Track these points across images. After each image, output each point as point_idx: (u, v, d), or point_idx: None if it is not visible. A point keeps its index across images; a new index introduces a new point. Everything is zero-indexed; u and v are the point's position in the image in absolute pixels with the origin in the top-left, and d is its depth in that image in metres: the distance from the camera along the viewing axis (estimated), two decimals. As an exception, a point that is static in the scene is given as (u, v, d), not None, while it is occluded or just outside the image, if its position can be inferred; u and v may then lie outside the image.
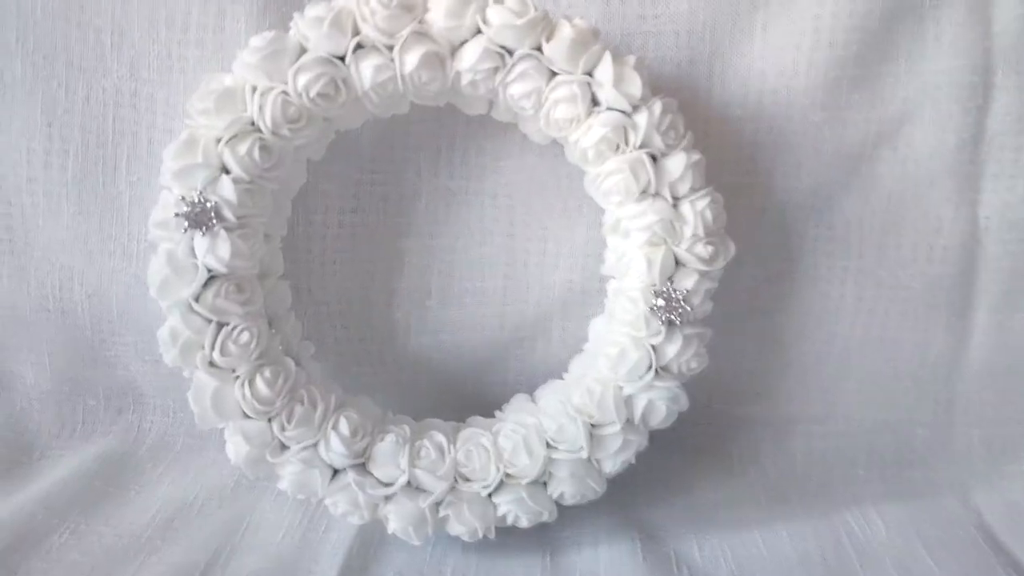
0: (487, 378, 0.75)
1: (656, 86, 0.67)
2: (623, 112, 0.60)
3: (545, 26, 0.60)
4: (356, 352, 0.73)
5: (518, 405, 0.68)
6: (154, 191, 0.66)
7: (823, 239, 0.72)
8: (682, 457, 0.76)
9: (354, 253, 0.72)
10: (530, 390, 0.70)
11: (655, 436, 0.65)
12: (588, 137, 0.61)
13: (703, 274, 0.62)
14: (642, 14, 0.68)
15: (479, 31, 0.60)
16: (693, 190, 0.61)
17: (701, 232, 0.61)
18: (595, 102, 0.61)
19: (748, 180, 0.70)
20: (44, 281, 0.72)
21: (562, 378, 0.69)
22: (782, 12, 0.68)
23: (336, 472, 0.63)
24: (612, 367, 0.63)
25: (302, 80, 0.59)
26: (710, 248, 0.62)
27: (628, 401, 0.63)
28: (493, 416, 0.68)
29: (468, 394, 0.75)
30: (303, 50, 0.60)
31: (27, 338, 0.74)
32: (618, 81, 0.60)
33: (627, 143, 0.61)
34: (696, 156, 0.62)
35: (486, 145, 0.71)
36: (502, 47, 0.60)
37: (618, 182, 0.61)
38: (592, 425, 0.63)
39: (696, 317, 0.63)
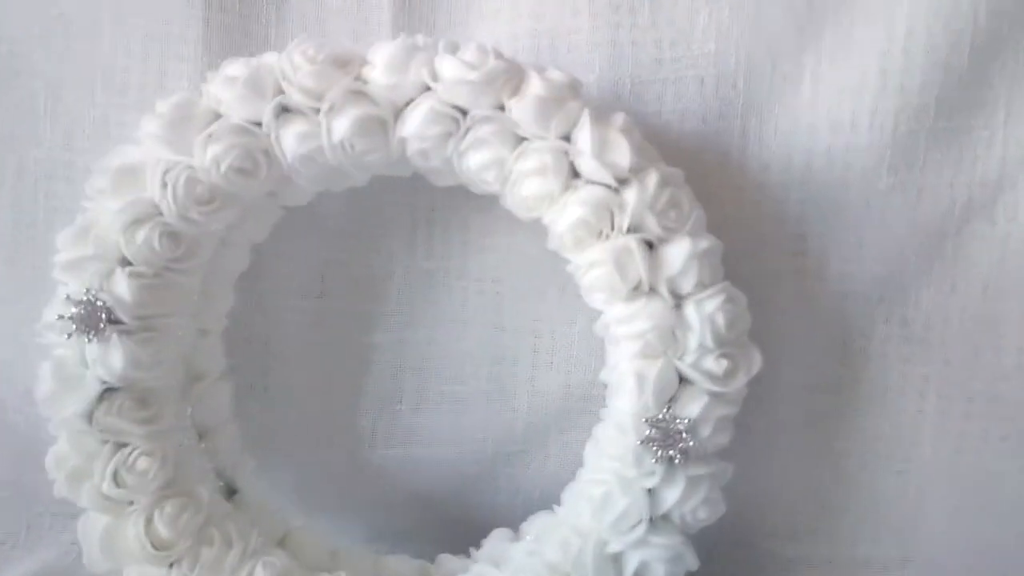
0: (471, 500, 0.62)
1: (672, 147, 0.53)
2: (607, 187, 0.47)
3: (508, 80, 0.47)
4: (316, 465, 0.62)
5: (493, 546, 0.55)
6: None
7: (895, 339, 0.56)
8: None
9: (316, 346, 0.61)
10: (524, 515, 0.57)
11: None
12: (564, 219, 0.47)
13: (715, 396, 0.47)
14: (659, 57, 0.55)
15: (427, 88, 0.48)
16: (700, 286, 0.47)
17: (710, 342, 0.47)
18: (575, 173, 0.48)
19: (794, 264, 0.55)
20: None
21: (553, 510, 0.55)
22: (838, 49, 0.53)
23: (257, 627, 0.51)
24: (595, 514, 0.49)
25: (212, 152, 0.48)
26: (724, 363, 0.47)
27: (615, 560, 0.49)
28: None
29: (450, 518, 0.62)
30: (216, 116, 0.49)
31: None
32: (600, 148, 0.46)
33: (612, 227, 0.47)
34: (705, 243, 0.47)
35: (470, 219, 0.59)
36: (455, 107, 0.47)
37: (600, 277, 0.47)
38: (574, 592, 0.49)
39: (706, 451, 0.48)
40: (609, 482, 0.48)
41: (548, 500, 0.56)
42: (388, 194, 0.58)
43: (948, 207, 0.54)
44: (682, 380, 0.48)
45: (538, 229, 0.57)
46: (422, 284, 0.60)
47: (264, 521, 0.56)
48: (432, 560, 0.57)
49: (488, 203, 0.56)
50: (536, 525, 0.54)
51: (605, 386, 0.53)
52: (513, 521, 0.57)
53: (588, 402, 0.59)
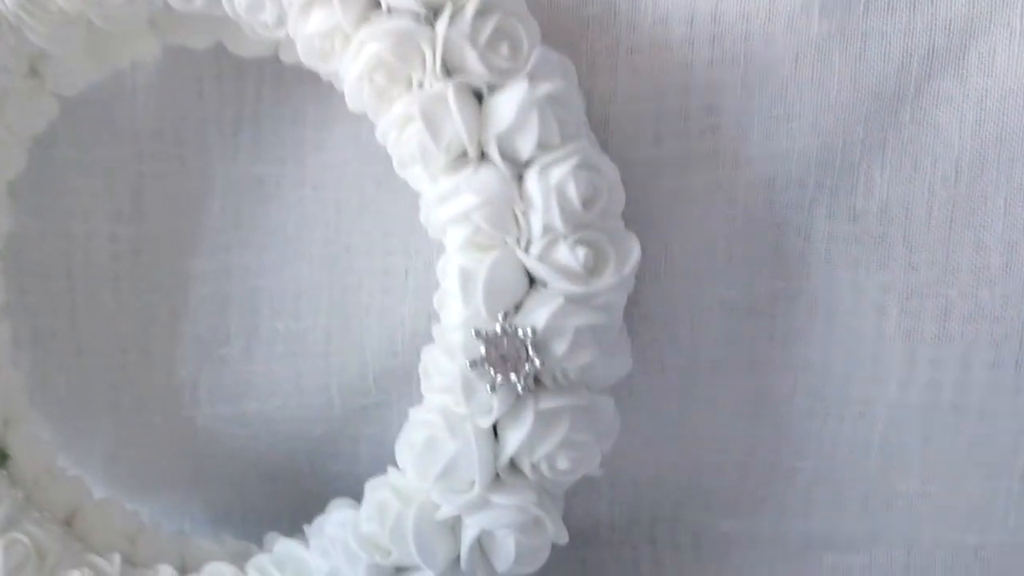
0: (327, 466, 0.49)
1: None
2: (414, 15, 0.34)
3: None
4: (128, 428, 0.50)
5: (334, 518, 0.42)
6: None
7: (843, 240, 0.42)
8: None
9: (125, 280, 0.49)
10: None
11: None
12: (357, 63, 0.35)
13: (572, 300, 0.34)
14: None
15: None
16: (544, 148, 0.34)
17: (560, 223, 0.34)
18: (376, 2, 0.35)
19: (705, 145, 0.42)
20: None
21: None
22: None
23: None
24: (418, 468, 0.36)
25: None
26: (582, 252, 0.34)
27: (449, 530, 0.36)
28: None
29: (305, 490, 0.50)
30: None
31: None
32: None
33: (423, 70, 0.34)
34: (549, 86, 0.34)
35: (306, 111, 0.46)
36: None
37: (410, 140, 0.35)
38: (388, 571, 0.36)
39: (567, 378, 0.35)
40: (434, 423, 0.35)
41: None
42: (205, 81, 0.46)
43: (903, 60, 0.40)
44: (533, 282, 0.35)
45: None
46: (250, 195, 0.48)
47: (45, 494, 0.44)
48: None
49: (328, 91, 0.44)
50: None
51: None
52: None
53: None
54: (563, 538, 0.37)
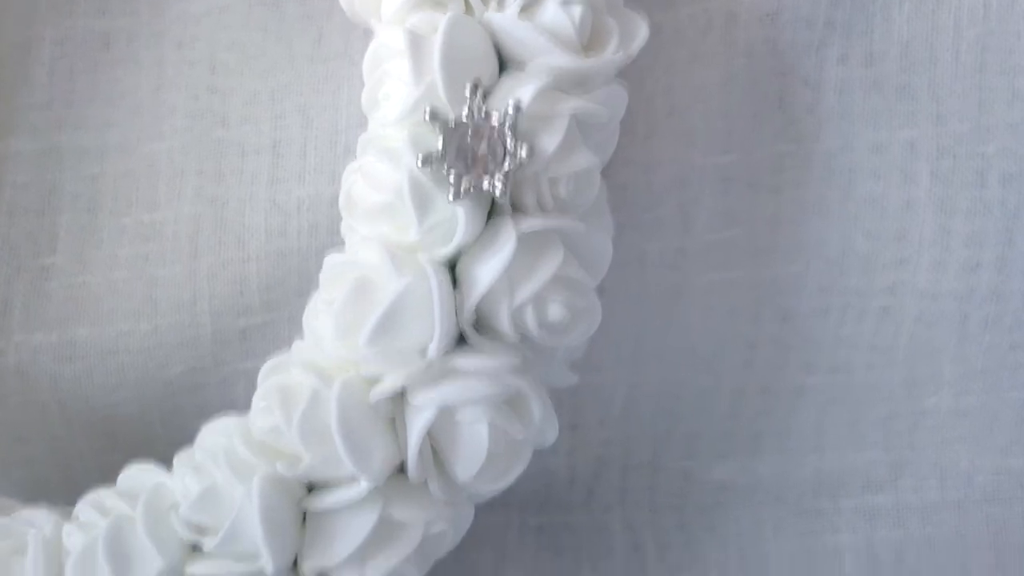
0: (187, 422, 0.36)
1: None
2: None
3: None
4: None
5: (214, 427, 0.29)
6: None
7: (858, 87, 0.35)
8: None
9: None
10: None
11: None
12: None
13: (564, 79, 0.25)
14: None
15: None
16: None
17: (546, -32, 0.25)
18: None
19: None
20: None
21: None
22: None
23: None
24: (343, 328, 0.25)
25: None
26: (577, 8, 0.25)
27: (391, 422, 0.25)
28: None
29: (154, 457, 0.36)
30: None
31: None
32: None
33: None
34: None
35: None
36: None
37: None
38: (308, 485, 0.24)
39: (557, 195, 0.25)
40: (364, 262, 0.25)
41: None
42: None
43: None
44: (502, 68, 0.25)
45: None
46: (88, 56, 0.36)
47: None
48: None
49: None
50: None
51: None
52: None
53: None
54: (552, 433, 0.26)
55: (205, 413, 0.36)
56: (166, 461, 0.34)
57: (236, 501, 0.24)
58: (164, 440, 0.37)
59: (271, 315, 0.36)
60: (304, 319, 0.27)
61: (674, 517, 0.39)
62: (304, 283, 0.36)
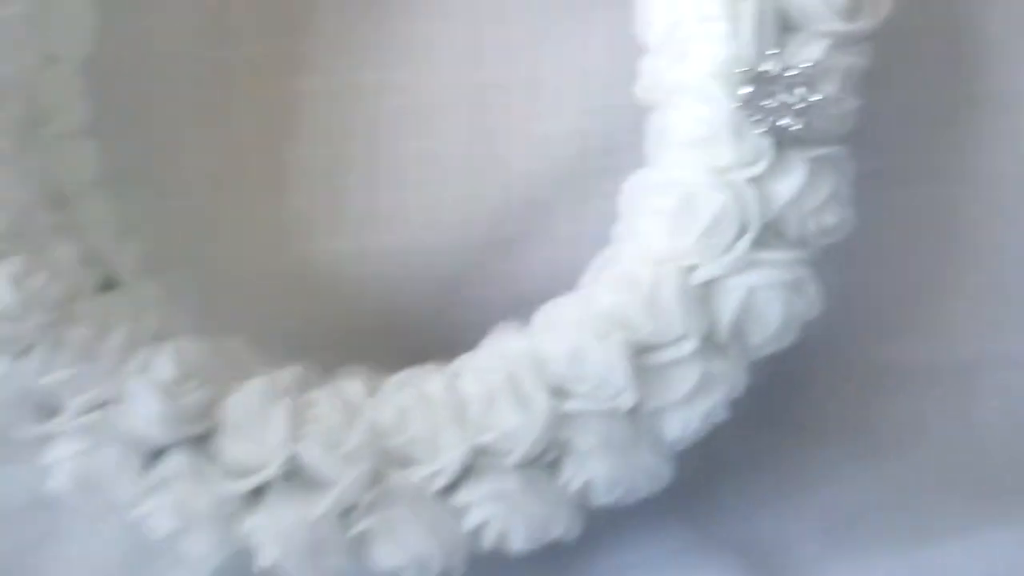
0: (451, 310, 0.46)
1: None
2: None
3: None
4: (224, 268, 0.44)
5: (500, 338, 0.39)
6: None
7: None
8: (791, 432, 0.46)
9: (226, 104, 0.44)
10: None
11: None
12: None
13: (838, 40, 0.33)
14: None
15: None
16: None
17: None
18: None
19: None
20: None
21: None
22: None
23: (155, 454, 0.34)
24: (673, 230, 0.33)
25: None
26: (850, -15, 0.33)
27: (707, 295, 0.33)
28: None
29: (419, 338, 0.45)
30: None
31: None
32: None
33: None
34: None
35: None
36: None
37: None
38: (640, 347, 0.33)
39: (829, 127, 0.33)
40: (688, 180, 0.33)
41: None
42: None
43: None
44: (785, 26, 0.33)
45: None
46: (365, 5, 0.43)
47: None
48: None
49: None
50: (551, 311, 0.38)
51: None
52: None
53: (612, 156, 0.43)
54: (818, 307, 0.34)
55: (469, 305, 0.45)
56: (429, 345, 0.43)
57: (600, 356, 0.32)
58: (432, 324, 0.46)
59: (527, 223, 0.45)
60: (624, 227, 0.35)
61: (852, 388, 0.47)
62: (551, 202, 0.44)
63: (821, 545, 0.40)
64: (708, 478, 0.39)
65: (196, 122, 0.44)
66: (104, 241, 0.39)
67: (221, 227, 0.44)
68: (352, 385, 0.35)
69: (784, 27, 0.33)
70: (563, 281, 0.40)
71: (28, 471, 0.36)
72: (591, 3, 0.42)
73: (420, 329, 0.45)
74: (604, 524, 0.36)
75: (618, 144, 0.43)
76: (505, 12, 0.43)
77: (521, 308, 0.40)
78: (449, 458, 0.33)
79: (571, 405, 0.33)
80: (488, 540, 0.34)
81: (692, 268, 0.33)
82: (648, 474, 0.34)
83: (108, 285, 0.38)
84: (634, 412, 0.33)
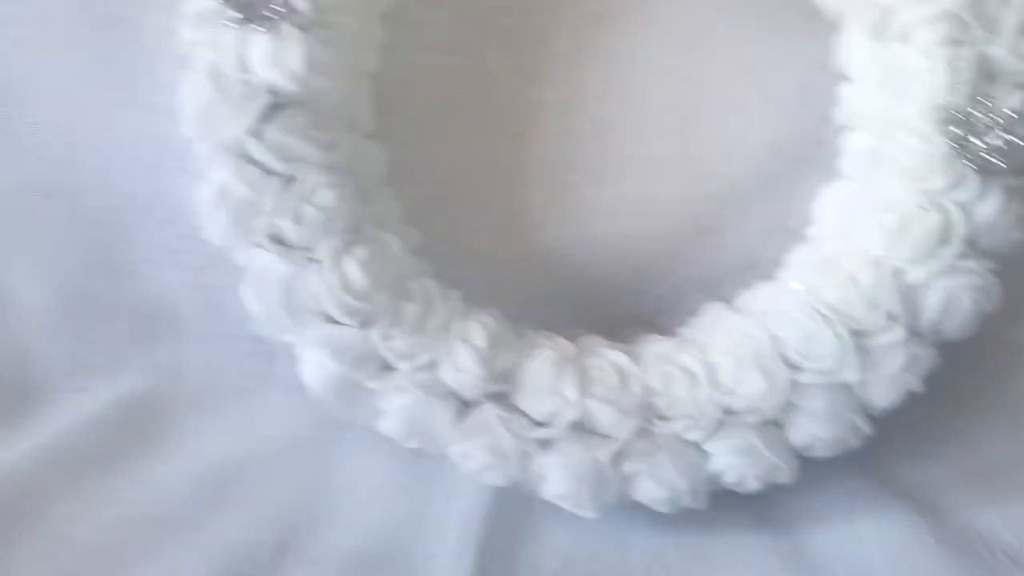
0: (647, 287, 0.54)
1: None
2: None
3: None
4: (464, 249, 0.52)
5: (716, 316, 0.47)
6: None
7: None
8: (949, 399, 0.54)
9: (467, 110, 0.52)
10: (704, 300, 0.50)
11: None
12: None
13: (1030, 87, 0.41)
14: None
15: None
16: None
17: (1028, 16, 0.40)
18: None
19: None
20: (39, 154, 0.53)
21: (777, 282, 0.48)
22: None
23: (468, 406, 0.43)
24: (891, 240, 0.42)
25: None
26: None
27: (915, 293, 0.42)
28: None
29: (618, 311, 0.54)
30: None
31: (21, 238, 0.55)
32: None
33: None
34: None
35: None
36: None
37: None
38: (859, 333, 0.42)
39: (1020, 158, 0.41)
40: (904, 203, 0.41)
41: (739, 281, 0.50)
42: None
43: None
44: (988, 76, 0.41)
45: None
46: (594, 28, 0.51)
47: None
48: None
49: None
50: (759, 297, 0.47)
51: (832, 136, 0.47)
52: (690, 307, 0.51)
53: (802, 164, 0.51)
54: (998, 301, 0.43)
55: (663, 281, 0.54)
56: (626, 312, 0.52)
57: (832, 341, 0.41)
58: (632, 294, 0.54)
59: (722, 217, 0.53)
60: (826, 229, 0.44)
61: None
62: (751, 193, 0.52)
63: (972, 492, 0.49)
64: (882, 433, 0.48)
65: (451, 127, 0.52)
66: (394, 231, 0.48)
67: (469, 216, 0.52)
68: (617, 355, 0.44)
69: (988, 77, 0.41)
70: (749, 268, 0.50)
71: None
72: (792, 34, 0.50)
73: (627, 301, 0.54)
74: (809, 474, 0.45)
75: (807, 155, 0.50)
76: (716, 37, 0.51)
77: (710, 288, 0.51)
78: (704, 415, 0.42)
79: (803, 377, 0.42)
80: (727, 481, 0.43)
81: (904, 271, 0.42)
82: (855, 433, 0.43)
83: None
84: (851, 384, 0.42)
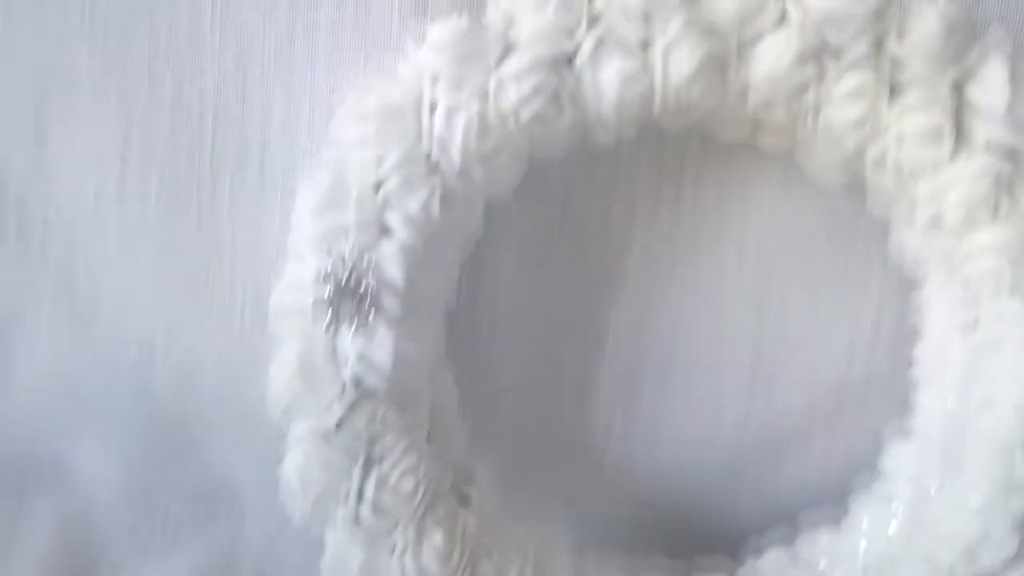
0: (710, 514, 0.55)
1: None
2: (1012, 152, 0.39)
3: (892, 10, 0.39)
4: (528, 467, 0.53)
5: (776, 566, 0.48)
6: (264, 224, 0.49)
7: None
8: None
9: (535, 327, 0.52)
10: (760, 526, 0.52)
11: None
12: (954, 194, 0.40)
13: None
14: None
15: (782, 18, 0.39)
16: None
17: None
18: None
19: None
20: (115, 347, 0.54)
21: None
22: None
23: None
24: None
25: (513, 94, 0.39)
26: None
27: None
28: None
29: (682, 534, 0.55)
30: (508, 46, 0.40)
31: (92, 421, 0.56)
32: (1018, 101, 0.39)
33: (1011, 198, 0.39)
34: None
35: (732, 172, 0.50)
36: (821, 43, 0.39)
37: (992, 268, 0.40)
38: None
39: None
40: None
41: (793, 506, 0.52)
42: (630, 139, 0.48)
43: None
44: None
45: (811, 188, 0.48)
46: (669, 250, 0.51)
47: (504, 534, 0.48)
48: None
49: (744, 156, 0.48)
50: (818, 541, 0.48)
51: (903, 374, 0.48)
52: (748, 532, 0.52)
53: (869, 397, 0.51)
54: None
55: (718, 513, 0.54)
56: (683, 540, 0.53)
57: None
58: (693, 522, 0.55)
59: (785, 445, 0.53)
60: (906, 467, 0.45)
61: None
62: (814, 424, 0.52)
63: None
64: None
65: (519, 343, 0.52)
66: (462, 463, 0.49)
67: (535, 431, 0.53)
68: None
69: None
70: (800, 495, 0.52)
71: None
72: (872, 276, 0.50)
73: (691, 526, 0.55)
74: None
75: (880, 386, 0.51)
76: (793, 271, 0.51)
77: (775, 518, 0.52)
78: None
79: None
80: None
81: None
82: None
83: (464, 500, 0.48)
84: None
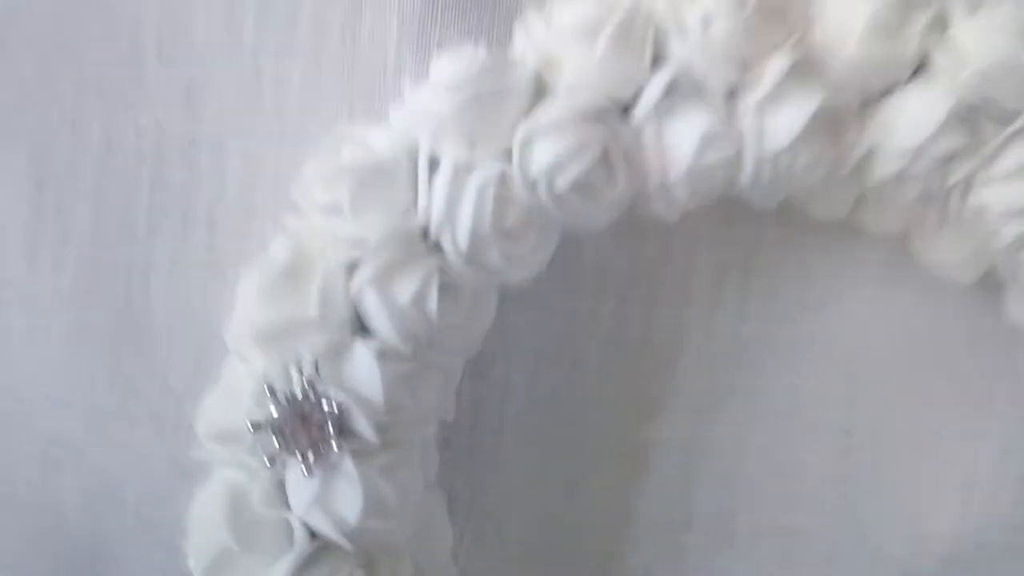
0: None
1: None
2: None
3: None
4: None
5: None
6: (209, 308, 0.40)
7: None
8: None
9: (555, 442, 0.43)
10: None
11: None
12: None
13: None
14: None
15: (924, 66, 0.29)
16: None
17: None
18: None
19: None
20: (16, 449, 0.45)
21: None
22: None
23: None
24: None
25: (546, 153, 0.28)
26: None
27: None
28: None
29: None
30: (541, 89, 0.29)
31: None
32: None
33: None
34: None
35: (819, 256, 0.41)
36: (979, 101, 0.29)
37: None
38: None
39: None
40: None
41: None
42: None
43: None
44: None
45: (931, 291, 0.40)
46: (729, 355, 0.42)
47: None
48: None
49: (833, 240, 0.40)
50: None
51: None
52: None
53: (981, 562, 0.41)
54: None
55: None
56: None
57: None
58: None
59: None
60: None
61: None
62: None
63: None
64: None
65: (534, 457, 0.42)
66: None
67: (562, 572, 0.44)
68: None
69: None
70: None
71: None
72: (989, 391, 0.40)
73: None
74: None
75: (998, 538, 0.41)
76: (888, 393, 0.41)
77: None
78: None
79: None
80: None
81: None
82: None
83: None
84: None
